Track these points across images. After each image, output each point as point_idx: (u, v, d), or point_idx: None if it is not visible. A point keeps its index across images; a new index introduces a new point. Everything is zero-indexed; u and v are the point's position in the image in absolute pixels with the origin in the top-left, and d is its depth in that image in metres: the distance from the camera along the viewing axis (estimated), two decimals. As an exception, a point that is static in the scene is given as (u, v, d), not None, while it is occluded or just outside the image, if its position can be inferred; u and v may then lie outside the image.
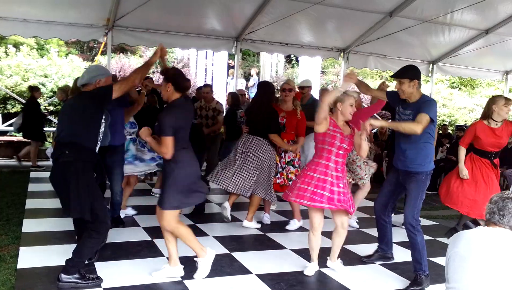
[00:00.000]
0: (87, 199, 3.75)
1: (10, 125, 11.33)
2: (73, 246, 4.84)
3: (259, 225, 5.99)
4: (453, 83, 20.64)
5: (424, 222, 6.62)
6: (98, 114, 3.96)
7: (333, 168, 4.24)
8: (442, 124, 15.09)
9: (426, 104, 4.18)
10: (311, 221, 4.41)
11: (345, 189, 4.32)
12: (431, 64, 12.19)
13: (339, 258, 4.63)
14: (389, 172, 4.81)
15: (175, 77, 3.98)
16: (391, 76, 4.50)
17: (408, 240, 4.40)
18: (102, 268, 4.24)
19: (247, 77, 17.57)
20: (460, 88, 20.75)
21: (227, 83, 16.30)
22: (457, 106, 18.60)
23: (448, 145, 10.77)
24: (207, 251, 4.24)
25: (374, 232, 6.01)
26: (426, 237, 5.62)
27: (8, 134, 12.26)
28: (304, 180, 4.28)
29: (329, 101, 4.21)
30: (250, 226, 5.94)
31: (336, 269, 4.57)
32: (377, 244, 4.98)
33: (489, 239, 2.56)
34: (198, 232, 5.58)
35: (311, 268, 4.48)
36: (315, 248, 4.48)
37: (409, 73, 4.23)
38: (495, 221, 2.61)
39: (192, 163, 4.09)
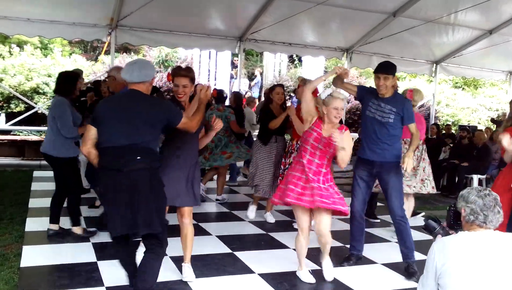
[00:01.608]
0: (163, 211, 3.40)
1: (14, 124, 11.35)
2: (77, 244, 4.89)
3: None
4: (457, 83, 20.59)
5: (427, 222, 6.61)
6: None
7: (307, 167, 4.08)
8: (445, 124, 15.07)
9: (408, 106, 4.58)
10: (297, 222, 4.29)
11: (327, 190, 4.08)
12: (434, 64, 12.18)
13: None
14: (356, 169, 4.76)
15: None
16: (375, 72, 4.57)
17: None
18: (105, 267, 4.25)
19: (251, 77, 17.56)
20: (463, 88, 20.71)
21: (230, 83, 16.31)
22: (460, 106, 18.56)
23: (452, 145, 10.75)
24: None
25: (374, 231, 6.04)
26: (427, 237, 5.61)
27: (12, 133, 12.30)
28: (286, 179, 4.28)
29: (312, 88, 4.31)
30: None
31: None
32: (380, 243, 4.97)
33: (482, 245, 2.44)
34: (201, 231, 5.58)
35: (304, 275, 4.35)
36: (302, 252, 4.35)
37: (394, 69, 4.53)
38: (479, 223, 2.49)
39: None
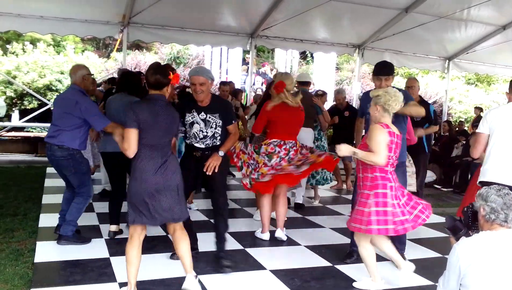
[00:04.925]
0: None
1: (27, 121, 11.45)
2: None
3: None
4: (470, 79, 20.43)
5: (440, 219, 6.57)
6: None
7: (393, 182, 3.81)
8: (458, 121, 14.96)
9: None
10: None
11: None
12: (447, 61, 12.09)
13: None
14: None
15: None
16: (379, 75, 4.37)
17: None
18: (118, 263, 4.27)
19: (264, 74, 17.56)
20: (476, 85, 20.54)
21: (243, 80, 16.33)
22: (473, 103, 18.43)
23: (464, 142, 10.66)
24: None
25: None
26: (443, 235, 5.58)
27: (25, 130, 12.41)
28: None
29: None
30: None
31: None
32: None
33: (505, 244, 2.43)
34: (212, 228, 5.59)
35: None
36: None
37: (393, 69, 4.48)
38: (500, 221, 2.46)
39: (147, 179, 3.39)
